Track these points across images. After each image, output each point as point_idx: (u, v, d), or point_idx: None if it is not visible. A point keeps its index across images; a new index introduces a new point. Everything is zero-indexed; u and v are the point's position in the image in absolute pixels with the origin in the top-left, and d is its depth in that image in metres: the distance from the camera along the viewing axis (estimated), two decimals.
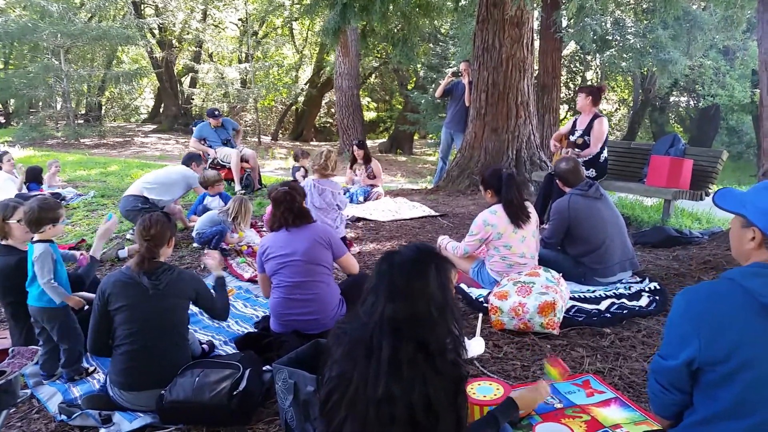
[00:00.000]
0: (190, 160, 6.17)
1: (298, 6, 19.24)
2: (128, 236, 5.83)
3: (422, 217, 6.74)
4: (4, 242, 3.28)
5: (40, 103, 20.24)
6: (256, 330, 3.66)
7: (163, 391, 2.64)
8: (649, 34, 12.54)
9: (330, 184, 4.33)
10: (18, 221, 3.18)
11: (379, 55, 21.27)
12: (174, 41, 23.78)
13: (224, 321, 3.18)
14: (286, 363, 2.66)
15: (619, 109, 26.13)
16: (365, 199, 7.54)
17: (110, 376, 2.80)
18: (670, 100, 22.06)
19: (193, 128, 8.99)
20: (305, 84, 23.59)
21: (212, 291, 3.14)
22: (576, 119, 6.11)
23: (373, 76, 25.41)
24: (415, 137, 21.83)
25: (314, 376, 2.48)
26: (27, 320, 3.20)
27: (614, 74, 19.17)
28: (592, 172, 5.92)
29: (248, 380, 2.68)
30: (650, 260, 4.89)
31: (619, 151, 7.11)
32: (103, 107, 25.97)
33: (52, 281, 3.01)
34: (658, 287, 4.13)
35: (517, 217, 3.91)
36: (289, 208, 3.41)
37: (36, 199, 3.22)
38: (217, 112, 8.57)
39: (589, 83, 19.42)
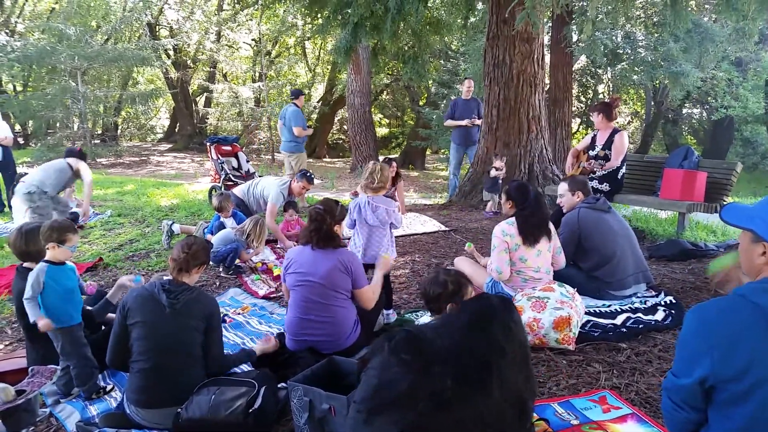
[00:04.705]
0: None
1: (310, 26, 19.45)
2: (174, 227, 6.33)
3: (434, 232, 6.74)
4: (26, 265, 3.34)
5: (58, 124, 20.52)
6: None
7: (179, 409, 2.66)
8: (660, 46, 12.53)
9: (384, 201, 4.15)
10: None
11: (390, 72, 21.41)
12: (189, 62, 24.13)
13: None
14: (302, 380, 2.67)
15: (632, 122, 26.03)
16: None
17: (127, 393, 2.83)
18: (683, 112, 21.96)
19: (208, 144, 9.01)
20: (318, 102, 23.77)
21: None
22: (595, 135, 6.16)
23: (385, 92, 25.56)
24: (427, 152, 21.85)
25: (329, 394, 2.49)
26: (43, 341, 3.23)
27: (626, 87, 19.12)
28: (606, 186, 5.93)
29: (263, 398, 2.69)
30: (665, 274, 4.86)
31: (633, 164, 7.09)
32: (120, 127, 26.35)
33: (30, 300, 3.04)
34: (673, 301, 4.10)
35: (530, 235, 3.89)
36: (317, 229, 3.42)
37: (54, 218, 3.28)
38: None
39: (600, 97, 19.41)
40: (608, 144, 5.96)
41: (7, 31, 20.05)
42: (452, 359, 1.60)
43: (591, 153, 6.11)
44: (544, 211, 3.95)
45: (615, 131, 5.99)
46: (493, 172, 7.46)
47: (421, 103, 21.57)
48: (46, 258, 3.14)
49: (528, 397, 1.68)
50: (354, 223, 4.19)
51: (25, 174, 7.67)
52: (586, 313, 3.77)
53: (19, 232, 3.35)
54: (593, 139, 6.16)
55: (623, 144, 5.91)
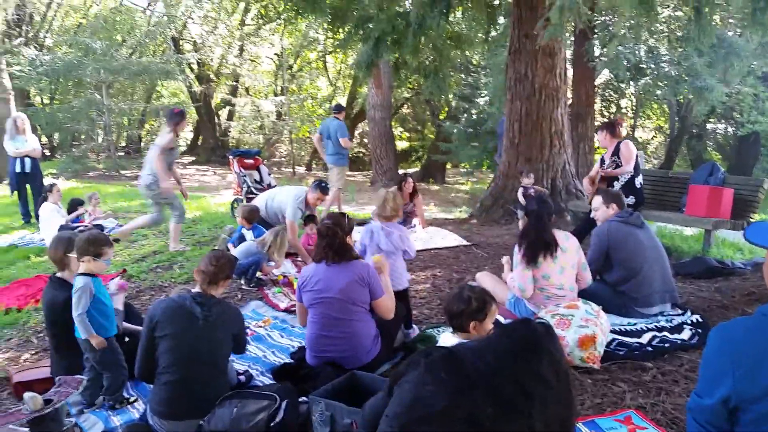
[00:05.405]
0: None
1: (332, 40, 19.65)
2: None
3: (456, 247, 6.71)
4: (59, 274, 3.39)
5: (83, 136, 20.92)
6: (292, 361, 3.68)
7: (201, 422, 2.67)
8: (684, 61, 12.43)
9: (397, 227, 4.06)
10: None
11: (411, 86, 21.50)
12: (212, 76, 24.45)
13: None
14: (323, 395, 2.67)
15: (656, 137, 25.79)
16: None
17: (151, 404, 2.84)
18: (708, 127, 21.66)
19: (231, 157, 9.12)
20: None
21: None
22: (603, 156, 6.28)
23: (405, 106, 25.64)
24: (448, 167, 21.84)
25: (351, 409, 2.48)
26: (68, 351, 3.27)
27: (650, 102, 18.97)
28: (631, 199, 5.94)
29: (285, 412, 2.69)
30: (692, 292, 4.78)
31: (657, 180, 7.02)
32: (143, 140, 26.73)
33: (83, 315, 3.08)
34: (700, 320, 4.04)
35: (533, 254, 3.84)
36: (330, 244, 3.40)
37: (89, 231, 3.34)
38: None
39: (623, 111, 19.34)
40: (616, 153, 6.08)
41: (36, 45, 20.52)
42: (494, 385, 1.58)
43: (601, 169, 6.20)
44: (545, 230, 3.89)
45: (619, 142, 6.08)
46: (520, 192, 7.35)
47: (441, 116, 21.59)
48: (80, 271, 3.18)
49: (571, 424, 1.66)
50: (365, 250, 4.10)
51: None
52: (611, 332, 3.71)
53: (57, 242, 3.42)
54: (602, 160, 6.26)
55: (629, 150, 5.99)
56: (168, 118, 6.53)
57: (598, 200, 4.52)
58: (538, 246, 3.84)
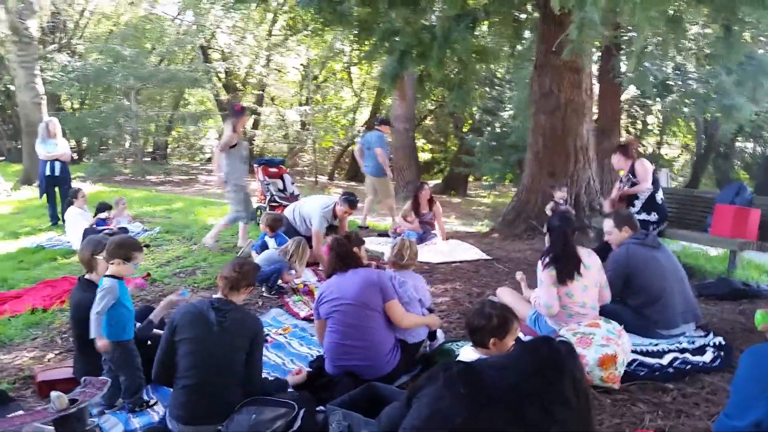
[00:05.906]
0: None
1: (357, 52, 19.78)
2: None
3: (476, 260, 6.69)
4: (87, 276, 3.47)
5: (110, 141, 21.28)
6: (310, 369, 3.71)
7: (219, 427, 2.70)
8: (712, 79, 12.28)
9: (411, 276, 3.98)
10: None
11: (434, 98, 21.53)
12: (239, 85, 24.76)
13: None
14: (340, 405, 2.68)
15: (682, 155, 25.45)
16: (420, 241, 7.33)
17: (170, 409, 2.89)
18: (735, 146, 21.36)
19: (256, 165, 9.23)
20: (362, 126, 24.05)
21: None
22: (621, 177, 6.34)
23: (429, 118, 25.68)
24: (470, 179, 21.78)
25: (369, 420, 2.49)
26: (92, 352, 3.32)
27: (676, 119, 18.76)
28: (654, 216, 5.91)
29: (302, 420, 2.71)
30: (715, 313, 4.71)
31: (682, 199, 6.94)
32: (170, 146, 27.10)
33: (100, 315, 3.15)
34: (723, 342, 3.96)
35: (562, 273, 3.79)
36: (339, 254, 3.60)
37: (120, 235, 3.43)
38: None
39: (649, 128, 19.16)
40: (632, 172, 6.11)
41: (68, 51, 20.99)
42: (514, 402, 1.57)
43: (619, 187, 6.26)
44: (572, 248, 3.85)
45: (634, 162, 6.12)
46: (549, 207, 7.28)
47: (464, 129, 21.58)
48: (108, 273, 3.25)
49: None
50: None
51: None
52: (632, 352, 3.66)
53: (87, 243, 3.51)
54: (620, 180, 6.32)
55: (644, 167, 6.00)
56: (230, 115, 6.86)
57: (609, 224, 4.41)
58: (566, 263, 3.81)
